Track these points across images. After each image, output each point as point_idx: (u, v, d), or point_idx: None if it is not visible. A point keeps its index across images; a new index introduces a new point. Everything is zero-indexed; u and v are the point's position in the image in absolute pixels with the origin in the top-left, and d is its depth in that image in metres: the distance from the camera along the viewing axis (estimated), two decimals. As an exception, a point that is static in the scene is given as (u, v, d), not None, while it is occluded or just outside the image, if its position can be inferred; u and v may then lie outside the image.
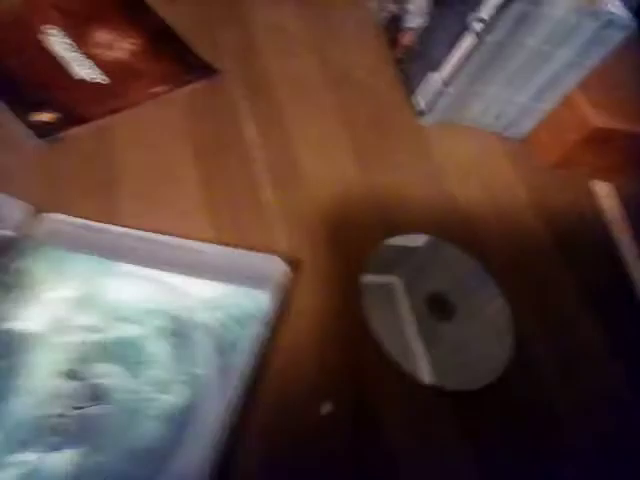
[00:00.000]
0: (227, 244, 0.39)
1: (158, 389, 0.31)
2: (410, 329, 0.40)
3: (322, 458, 0.33)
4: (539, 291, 0.45)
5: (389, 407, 0.36)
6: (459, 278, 0.44)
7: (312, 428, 0.34)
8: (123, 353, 0.31)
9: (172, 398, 0.31)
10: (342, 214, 0.44)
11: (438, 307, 0.41)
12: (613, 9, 0.46)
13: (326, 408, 0.35)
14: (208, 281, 0.36)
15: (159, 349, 0.32)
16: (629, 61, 0.57)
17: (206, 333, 0.33)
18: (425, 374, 0.38)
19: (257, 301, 0.35)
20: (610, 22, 0.46)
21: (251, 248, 0.39)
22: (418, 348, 0.39)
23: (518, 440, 0.37)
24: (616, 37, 0.47)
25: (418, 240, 0.45)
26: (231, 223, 0.41)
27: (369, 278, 0.41)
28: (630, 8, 0.47)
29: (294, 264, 0.40)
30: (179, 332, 0.33)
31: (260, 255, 0.36)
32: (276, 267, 0.37)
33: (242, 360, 0.32)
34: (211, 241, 0.39)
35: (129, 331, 0.32)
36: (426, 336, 0.39)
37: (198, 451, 0.29)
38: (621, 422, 0.40)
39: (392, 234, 0.44)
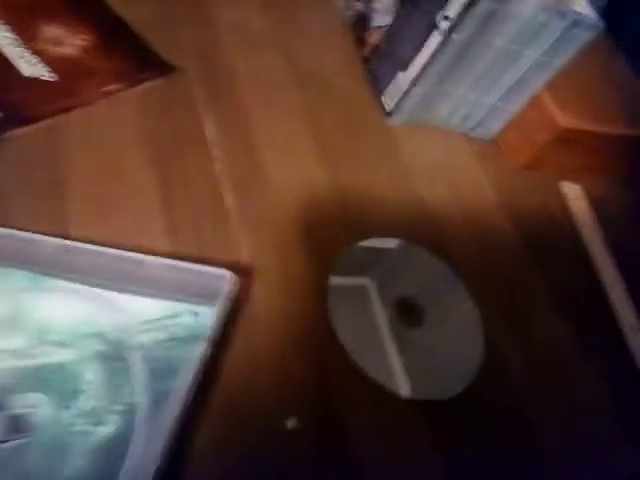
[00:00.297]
0: (185, 251, 0.37)
1: (90, 420, 0.28)
2: (378, 334, 0.38)
3: (285, 473, 0.32)
4: (509, 293, 0.45)
5: (356, 417, 0.35)
6: (428, 281, 0.43)
7: (275, 441, 0.32)
8: (51, 380, 0.29)
9: (106, 429, 0.28)
10: (308, 217, 0.43)
11: (407, 311, 0.40)
12: (580, 9, 0.45)
13: (291, 423, 0.33)
14: (149, 298, 0.33)
15: (92, 376, 0.30)
16: (597, 62, 0.57)
17: (145, 356, 0.31)
18: (394, 381, 0.37)
19: (202, 319, 0.33)
20: (577, 22, 0.45)
21: (210, 254, 0.37)
22: (386, 354, 0.38)
23: (489, 446, 0.37)
24: (583, 37, 0.46)
25: (386, 243, 0.44)
26: (189, 228, 0.39)
27: (335, 282, 0.39)
28: (597, 8, 0.47)
29: (255, 270, 0.38)
30: (115, 356, 0.31)
31: (207, 269, 0.34)
32: (224, 281, 0.34)
33: (184, 383, 0.30)
34: (168, 249, 0.37)
35: (59, 356, 0.30)
36: (394, 342, 0.38)
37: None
38: (592, 425, 0.40)
39: (360, 237, 0.43)
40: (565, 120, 0.50)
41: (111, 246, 0.34)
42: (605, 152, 0.55)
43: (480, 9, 0.43)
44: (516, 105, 0.52)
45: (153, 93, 0.45)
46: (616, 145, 0.55)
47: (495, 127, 0.54)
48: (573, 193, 0.54)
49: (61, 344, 0.30)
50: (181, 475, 0.30)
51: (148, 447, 0.28)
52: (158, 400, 0.30)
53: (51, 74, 0.42)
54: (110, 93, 0.43)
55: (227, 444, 0.31)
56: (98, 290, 0.33)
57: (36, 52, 0.42)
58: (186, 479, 0.30)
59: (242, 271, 0.37)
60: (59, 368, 0.29)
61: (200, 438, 0.31)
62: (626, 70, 0.59)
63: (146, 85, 0.45)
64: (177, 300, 0.34)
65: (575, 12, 0.45)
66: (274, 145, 0.46)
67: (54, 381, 0.29)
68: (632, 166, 0.56)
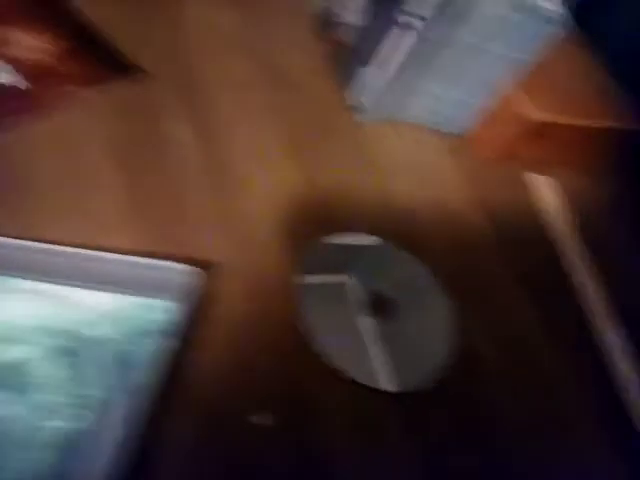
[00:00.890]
0: (152, 250, 0.37)
1: (48, 415, 0.28)
2: (351, 330, 0.39)
3: (255, 470, 0.32)
4: (481, 287, 0.45)
5: (328, 410, 0.35)
6: (400, 276, 0.44)
7: (245, 438, 0.33)
8: (7, 378, 0.29)
9: (64, 424, 0.28)
10: (279, 215, 0.43)
11: (380, 306, 0.41)
12: (548, 6, 0.46)
13: (262, 419, 0.33)
14: (110, 293, 0.34)
15: (50, 370, 0.30)
16: (568, 56, 0.57)
17: (105, 350, 0.31)
18: (367, 374, 0.37)
19: (163, 312, 0.33)
20: (545, 18, 0.46)
21: (177, 252, 0.38)
22: (359, 348, 0.38)
23: (462, 437, 0.37)
24: (552, 33, 0.47)
25: (358, 240, 0.44)
26: (158, 230, 0.39)
27: (306, 279, 0.40)
28: (567, 5, 0.47)
29: (224, 266, 0.39)
30: (74, 350, 0.31)
31: (171, 265, 0.34)
32: (188, 277, 0.35)
33: (146, 376, 0.30)
34: (135, 247, 0.37)
35: (15, 353, 0.30)
36: (367, 336, 0.39)
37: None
38: (564, 416, 0.41)
39: (332, 235, 0.43)
40: (536, 114, 0.51)
41: (77, 246, 0.34)
42: (576, 145, 0.56)
43: (450, 8, 0.44)
44: (486, 100, 0.53)
45: (123, 97, 0.45)
46: (587, 138, 0.55)
47: (466, 122, 0.55)
48: (544, 186, 0.55)
49: (16, 341, 0.30)
50: (146, 470, 0.30)
51: (107, 440, 0.28)
52: (122, 393, 0.30)
53: (21, 80, 0.42)
54: (79, 97, 0.43)
55: (195, 440, 0.32)
56: (57, 287, 0.33)
57: (5, 59, 0.43)
58: (152, 475, 0.30)
59: (210, 268, 0.38)
60: (14, 365, 0.30)
61: (166, 433, 0.31)
62: (597, 65, 0.60)
63: (116, 89, 0.45)
64: (138, 295, 0.34)
65: (543, 9, 0.46)
66: (245, 145, 0.47)
67: (9, 378, 0.29)
68: (603, 158, 0.57)
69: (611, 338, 0.45)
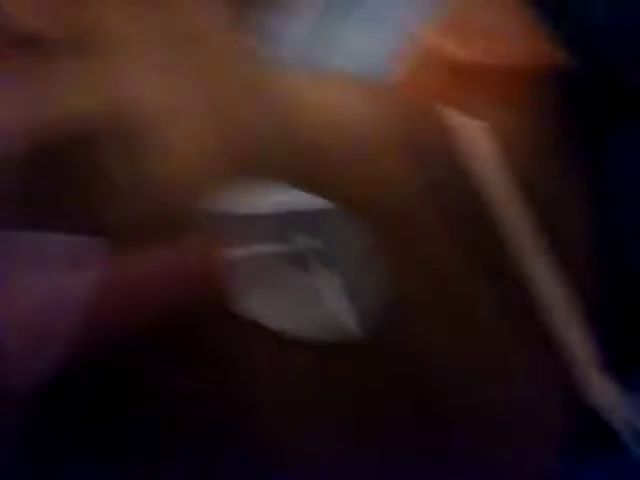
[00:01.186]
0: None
1: None
2: (279, 284, 0.38)
3: (174, 429, 0.32)
4: (408, 233, 0.45)
5: (256, 369, 0.36)
6: (328, 229, 0.42)
7: (170, 404, 0.33)
8: None
9: None
10: (194, 180, 0.42)
11: (308, 259, 0.39)
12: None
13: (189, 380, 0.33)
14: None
15: None
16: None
17: None
18: (297, 330, 0.37)
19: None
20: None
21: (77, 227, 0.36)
22: (287, 303, 0.38)
23: (389, 388, 0.37)
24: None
25: (284, 197, 0.42)
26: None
27: (231, 245, 0.38)
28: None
29: (134, 240, 0.37)
30: None
31: (70, 238, 0.33)
32: (90, 249, 0.33)
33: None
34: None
35: None
36: (295, 291, 0.38)
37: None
38: (496, 353, 0.41)
39: (254, 195, 0.41)
40: (460, 54, 0.49)
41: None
42: (503, 85, 0.55)
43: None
44: (408, 44, 0.51)
45: (12, 60, 0.42)
46: (514, 78, 0.54)
47: (388, 66, 0.53)
48: (472, 127, 0.54)
49: None
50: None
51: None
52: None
53: None
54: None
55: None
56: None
57: None
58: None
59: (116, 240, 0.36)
60: None
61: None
62: (522, 2, 0.58)
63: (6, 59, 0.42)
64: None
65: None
66: (150, 104, 0.44)
67: None
68: (532, 98, 0.56)
69: (541, 271, 0.45)
